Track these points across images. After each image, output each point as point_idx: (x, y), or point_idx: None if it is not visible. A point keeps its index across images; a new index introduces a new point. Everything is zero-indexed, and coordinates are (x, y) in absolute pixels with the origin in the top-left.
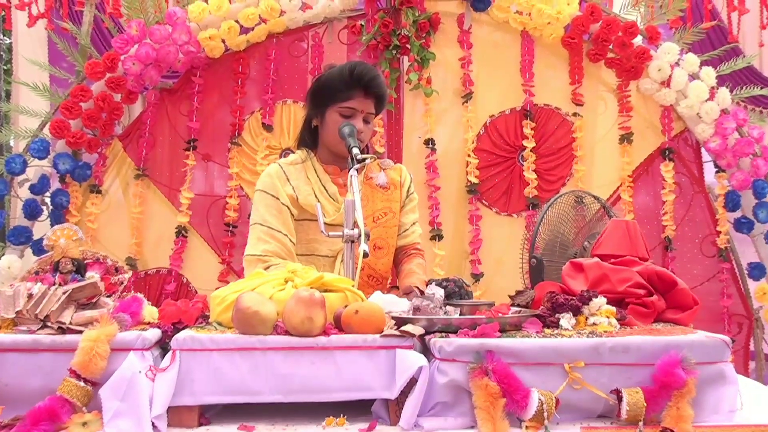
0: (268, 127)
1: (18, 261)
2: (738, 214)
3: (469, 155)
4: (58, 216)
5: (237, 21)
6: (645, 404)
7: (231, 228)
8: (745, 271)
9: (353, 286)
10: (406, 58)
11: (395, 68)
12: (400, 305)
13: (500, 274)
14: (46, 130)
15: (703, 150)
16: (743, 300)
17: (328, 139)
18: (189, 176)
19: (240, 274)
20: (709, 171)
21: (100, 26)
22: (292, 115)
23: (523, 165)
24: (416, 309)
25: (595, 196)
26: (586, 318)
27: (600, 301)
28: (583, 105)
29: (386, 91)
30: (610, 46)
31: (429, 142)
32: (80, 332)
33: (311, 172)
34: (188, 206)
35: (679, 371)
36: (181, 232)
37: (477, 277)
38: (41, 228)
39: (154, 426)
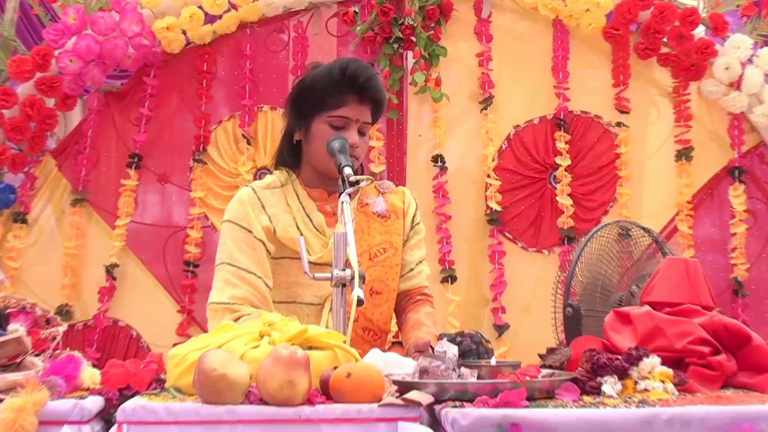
0: (247, 139)
1: None
2: None
3: (488, 175)
4: None
5: (201, 7)
6: None
7: (192, 267)
8: None
9: (345, 342)
10: (410, 53)
11: (397, 66)
12: (403, 366)
13: (527, 327)
14: None
15: None
16: None
17: (314, 157)
18: (125, 198)
19: (204, 327)
20: None
21: (29, 13)
22: (269, 125)
23: (555, 188)
24: (423, 371)
25: (645, 228)
26: (636, 383)
27: (653, 362)
28: (630, 112)
29: (385, 95)
30: (664, 39)
31: (438, 159)
32: (0, 400)
33: (292, 198)
34: (125, 236)
35: None
36: (109, 271)
37: (501, 329)
38: None
39: None
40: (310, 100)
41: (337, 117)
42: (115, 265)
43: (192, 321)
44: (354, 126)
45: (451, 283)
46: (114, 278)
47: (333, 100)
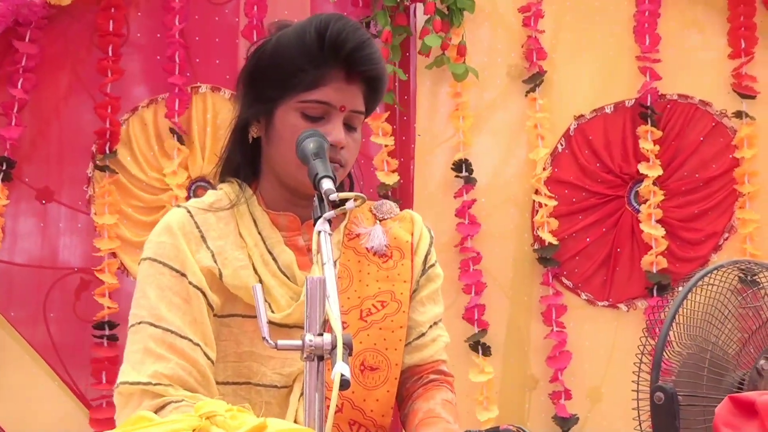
0: (178, 135)
1: None
2: None
3: (537, 191)
4: None
5: None
6: None
7: (107, 331)
8: None
9: None
10: (420, 7)
11: (401, 27)
12: None
13: (597, 420)
14: None
15: None
16: None
17: (280, 162)
18: None
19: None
20: None
21: None
22: (209, 113)
23: (639, 211)
24: None
25: None
26: None
27: None
28: (757, 97)
29: (385, 69)
30: None
31: (462, 167)
32: None
33: (247, 226)
34: None
35: None
36: None
37: (566, 423)
38: None
39: None
40: (274, 77)
41: (313, 102)
42: None
43: (100, 415)
44: (338, 116)
45: (484, 354)
46: None
47: (307, 77)
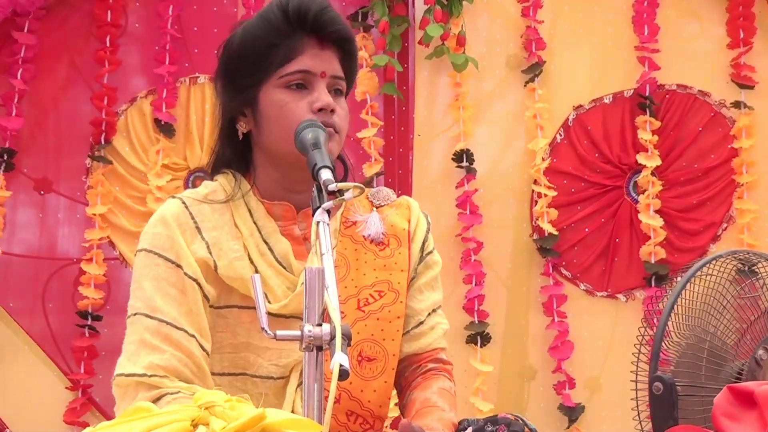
0: (166, 128)
1: None
2: None
3: (536, 181)
4: None
5: None
6: None
7: (90, 321)
8: None
9: None
10: None
11: (400, 17)
12: None
13: (596, 410)
14: None
15: None
16: None
17: (275, 145)
18: None
19: (108, 411)
20: None
21: None
22: (208, 104)
23: (638, 201)
24: None
25: None
26: None
27: None
28: (755, 87)
29: (351, 30)
30: None
31: (462, 158)
32: None
33: (243, 216)
34: None
35: None
36: None
37: (572, 413)
38: None
39: None
40: (248, 62)
41: (293, 73)
42: None
43: (89, 402)
44: (321, 82)
45: (482, 344)
46: None
47: (280, 51)
